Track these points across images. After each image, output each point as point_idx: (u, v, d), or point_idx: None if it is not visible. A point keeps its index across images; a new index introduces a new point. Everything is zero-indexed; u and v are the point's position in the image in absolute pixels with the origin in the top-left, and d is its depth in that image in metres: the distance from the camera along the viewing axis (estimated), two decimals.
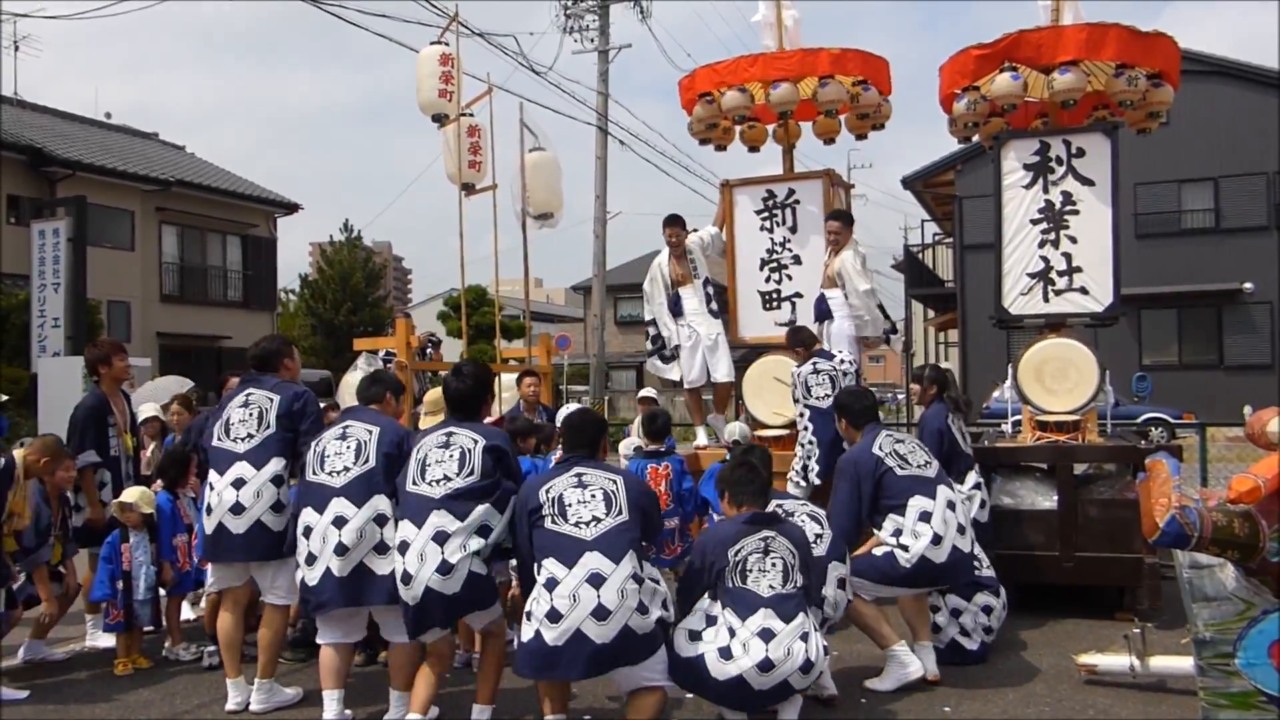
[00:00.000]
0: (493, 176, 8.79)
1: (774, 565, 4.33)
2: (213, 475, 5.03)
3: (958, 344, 28.20)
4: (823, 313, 7.43)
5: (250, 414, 5.02)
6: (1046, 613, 6.46)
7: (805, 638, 4.21)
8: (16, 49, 26.07)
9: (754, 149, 8.66)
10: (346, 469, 4.53)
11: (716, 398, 8.31)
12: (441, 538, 4.14)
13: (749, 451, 5.19)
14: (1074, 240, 7.01)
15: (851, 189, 8.49)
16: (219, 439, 5.04)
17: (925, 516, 5.08)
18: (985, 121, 7.41)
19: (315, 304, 35.98)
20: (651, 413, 7.16)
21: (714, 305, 7.89)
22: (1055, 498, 6.56)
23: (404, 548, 4.22)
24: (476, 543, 4.18)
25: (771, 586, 4.29)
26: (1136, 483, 5.00)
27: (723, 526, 4.57)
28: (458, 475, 4.26)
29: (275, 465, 4.91)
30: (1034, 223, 7.09)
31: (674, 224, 7.89)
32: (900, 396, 40.95)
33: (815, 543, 4.71)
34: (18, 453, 5.44)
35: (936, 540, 5.04)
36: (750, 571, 4.32)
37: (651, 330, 8.09)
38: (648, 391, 9.18)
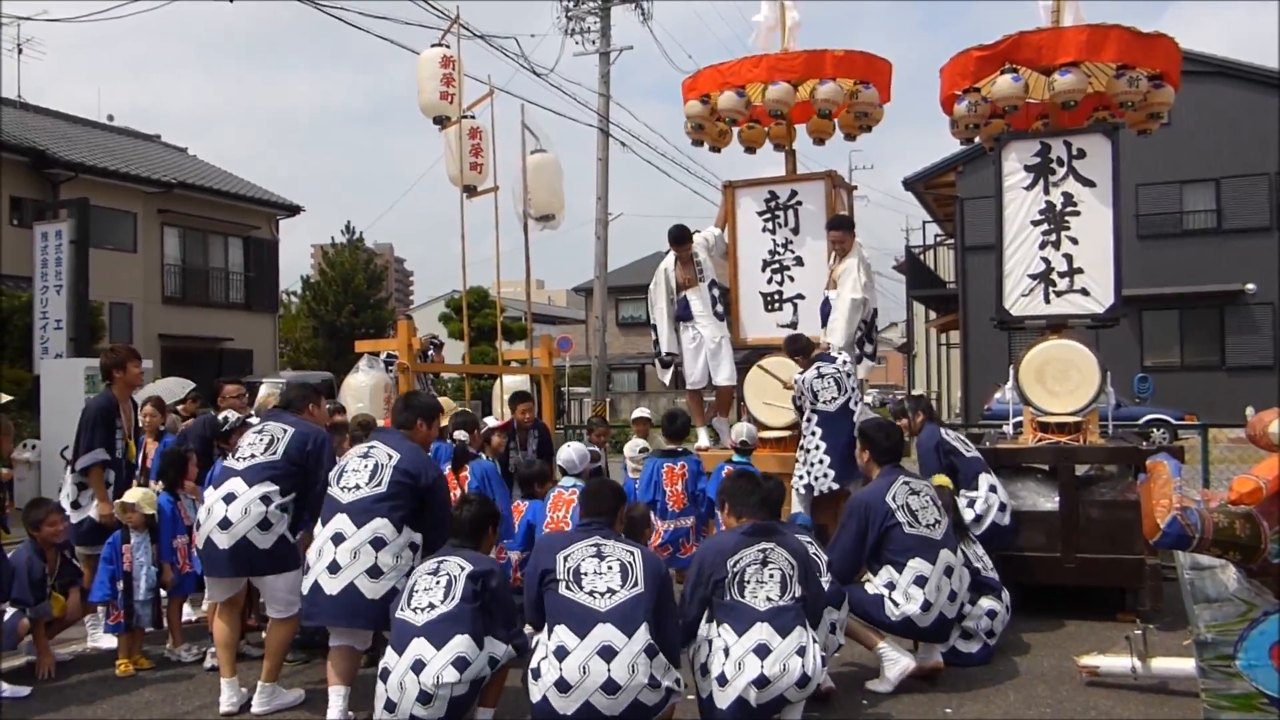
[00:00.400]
0: (494, 178, 8.81)
1: (772, 576, 4.33)
2: (208, 489, 5.11)
3: (959, 345, 28.17)
4: (827, 315, 7.43)
5: (260, 439, 5.08)
6: (1048, 614, 6.45)
7: (802, 652, 4.20)
8: (20, 52, 26.08)
9: (750, 150, 8.66)
10: (358, 487, 4.60)
11: (719, 400, 8.32)
12: (419, 667, 4.09)
13: (767, 478, 5.17)
14: (1075, 241, 7.00)
15: (854, 190, 8.49)
16: (228, 460, 5.15)
17: (921, 581, 5.06)
18: (986, 123, 7.41)
19: (317, 306, 35.98)
20: (671, 412, 7.21)
21: (718, 308, 7.91)
22: (1057, 499, 6.56)
23: (384, 674, 4.20)
24: (473, 670, 4.12)
25: (769, 598, 4.29)
26: (1138, 484, 5.00)
27: (722, 537, 4.58)
28: (441, 602, 4.22)
29: (267, 486, 4.89)
30: (1035, 224, 7.09)
31: (682, 241, 7.88)
32: (901, 396, 40.96)
33: None
34: None
35: (926, 607, 5.04)
36: (748, 583, 4.31)
37: (654, 334, 8.12)
38: (641, 412, 9.15)
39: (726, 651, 4.21)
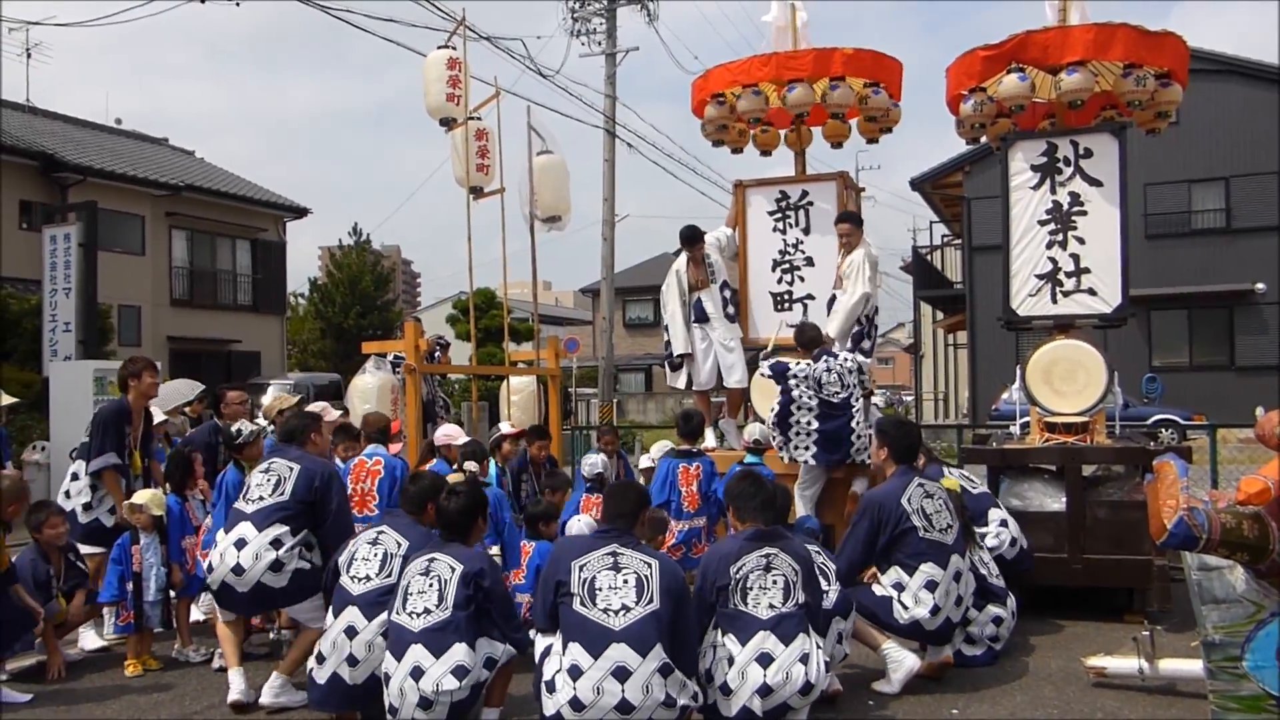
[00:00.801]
0: (500, 180, 8.84)
1: (775, 582, 4.33)
2: (219, 532, 5.15)
3: (966, 345, 28.11)
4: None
5: (268, 480, 5.10)
6: (1055, 615, 6.44)
7: (805, 659, 4.20)
8: (29, 56, 26.13)
9: (766, 153, 8.68)
10: (368, 577, 4.55)
11: (729, 403, 8.30)
12: (418, 674, 4.10)
13: (774, 484, 5.16)
14: (1082, 241, 6.98)
15: (861, 192, 8.49)
16: (237, 502, 5.17)
17: (931, 586, 5.06)
18: (993, 122, 7.40)
19: (324, 308, 36.07)
20: (686, 412, 7.19)
21: (730, 309, 7.90)
22: (1064, 499, 6.54)
23: (385, 679, 4.22)
24: (472, 677, 4.12)
25: (772, 605, 4.28)
26: (1145, 485, 4.98)
27: (725, 543, 4.58)
28: (436, 607, 4.21)
29: (277, 529, 4.94)
30: (1042, 224, 7.07)
31: (694, 241, 7.87)
32: (908, 398, 40.87)
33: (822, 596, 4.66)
34: None
35: (934, 611, 5.05)
36: (751, 589, 4.31)
37: (665, 335, 8.11)
38: (648, 463, 9.11)
39: (730, 660, 4.21)
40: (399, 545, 4.61)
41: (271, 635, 6.10)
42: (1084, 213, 6.98)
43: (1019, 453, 6.96)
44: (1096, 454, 6.82)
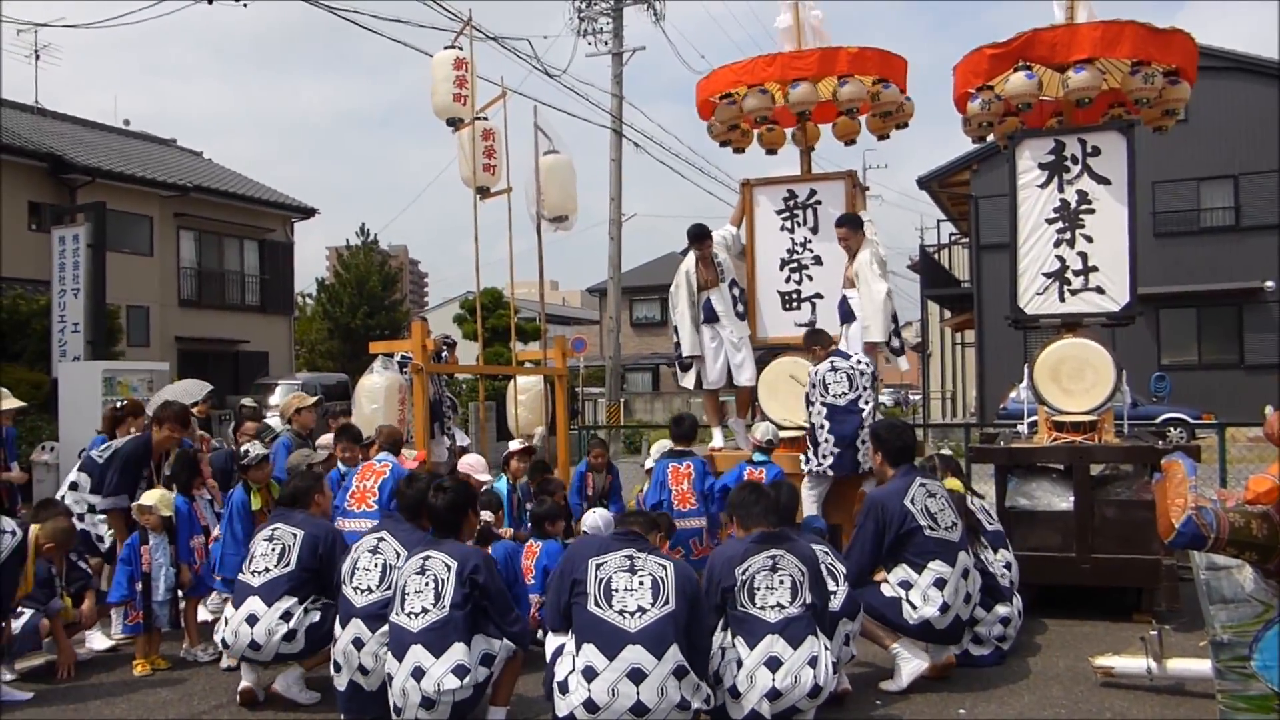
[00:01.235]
0: (507, 180, 8.83)
1: (782, 583, 4.32)
2: (228, 607, 5.20)
3: (974, 344, 28.05)
4: (846, 314, 7.43)
5: (272, 549, 5.14)
6: (1063, 614, 6.42)
7: (814, 662, 4.20)
8: (37, 57, 26.22)
9: (772, 152, 8.67)
10: (425, 610, 4.46)
11: (738, 401, 8.29)
12: (419, 674, 4.12)
13: (777, 487, 5.14)
14: (1090, 239, 6.96)
15: (866, 191, 8.48)
16: (242, 571, 5.21)
17: (940, 584, 5.05)
18: (1000, 121, 7.38)
19: (332, 308, 36.12)
20: (678, 416, 7.20)
21: (739, 308, 7.89)
22: (1072, 499, 6.52)
23: (388, 679, 4.25)
24: (472, 676, 4.13)
25: (780, 605, 4.28)
26: (1153, 484, 4.97)
27: (730, 545, 4.57)
28: (433, 606, 4.21)
29: (286, 602, 5.01)
30: (1049, 222, 7.05)
31: (701, 239, 7.84)
32: (916, 397, 40.81)
33: (829, 598, 4.66)
34: (32, 529, 5.50)
35: (944, 609, 5.04)
36: (758, 590, 4.31)
37: (674, 337, 8.10)
38: (650, 464, 9.09)
39: (739, 664, 4.22)
40: (399, 556, 4.61)
41: None
42: (1092, 211, 6.96)
43: (1027, 452, 6.94)
44: (1104, 453, 6.80)
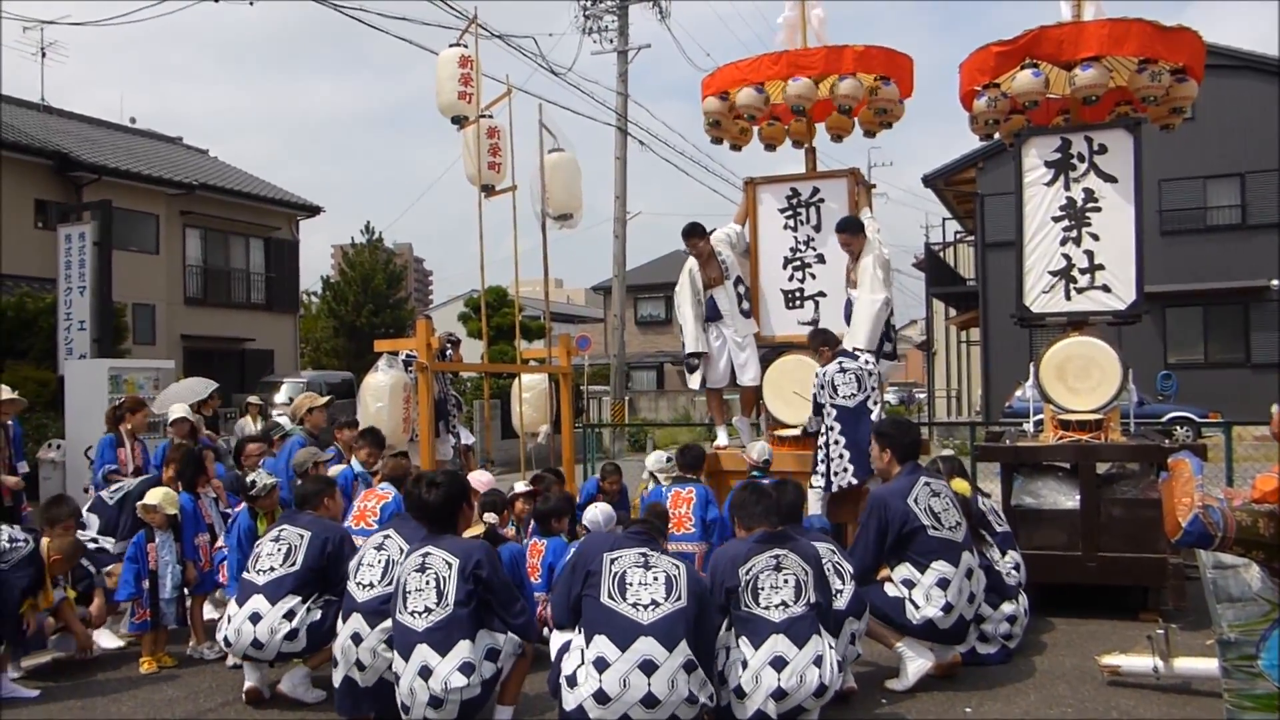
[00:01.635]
0: (512, 178, 8.82)
1: (786, 582, 4.32)
2: (231, 605, 5.20)
3: (979, 342, 28.00)
4: (850, 315, 7.40)
5: (278, 549, 5.15)
6: (1069, 613, 6.42)
7: (819, 661, 4.20)
8: (44, 56, 26.27)
9: (770, 147, 8.65)
10: (373, 583, 4.59)
11: (743, 400, 8.28)
12: (426, 673, 4.12)
13: (781, 486, 5.14)
14: (1096, 238, 6.95)
15: (872, 188, 8.45)
16: (247, 570, 5.22)
17: (943, 584, 5.03)
18: (1006, 119, 7.36)
19: (337, 306, 36.19)
20: (686, 446, 7.10)
21: (744, 305, 7.86)
22: (1078, 497, 6.51)
23: (395, 678, 4.25)
24: (479, 673, 4.13)
25: (784, 604, 4.28)
26: (1159, 482, 4.96)
27: (733, 545, 4.58)
28: (437, 605, 4.21)
29: (290, 602, 5.01)
30: (1055, 220, 7.04)
31: (692, 235, 7.82)
32: (921, 395, 40.76)
33: (835, 596, 4.67)
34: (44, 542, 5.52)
35: (947, 609, 5.02)
36: (762, 589, 4.31)
37: (681, 335, 8.10)
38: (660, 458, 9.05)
39: (744, 664, 4.22)
40: (402, 552, 4.62)
41: None
42: (1098, 209, 6.94)
43: (1033, 450, 6.93)
44: (1111, 451, 6.79)
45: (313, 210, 28.46)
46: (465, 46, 8.40)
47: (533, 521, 6.37)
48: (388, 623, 4.42)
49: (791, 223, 8.07)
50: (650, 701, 3.90)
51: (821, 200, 7.96)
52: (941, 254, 33.68)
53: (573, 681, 4.03)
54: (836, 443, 6.62)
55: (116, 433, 7.86)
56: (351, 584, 4.66)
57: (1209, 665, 4.61)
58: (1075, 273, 6.99)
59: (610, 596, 4.10)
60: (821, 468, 6.70)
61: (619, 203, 23.99)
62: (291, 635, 4.97)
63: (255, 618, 4.97)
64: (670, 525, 6.64)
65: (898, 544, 5.13)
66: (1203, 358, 24.52)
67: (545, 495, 6.41)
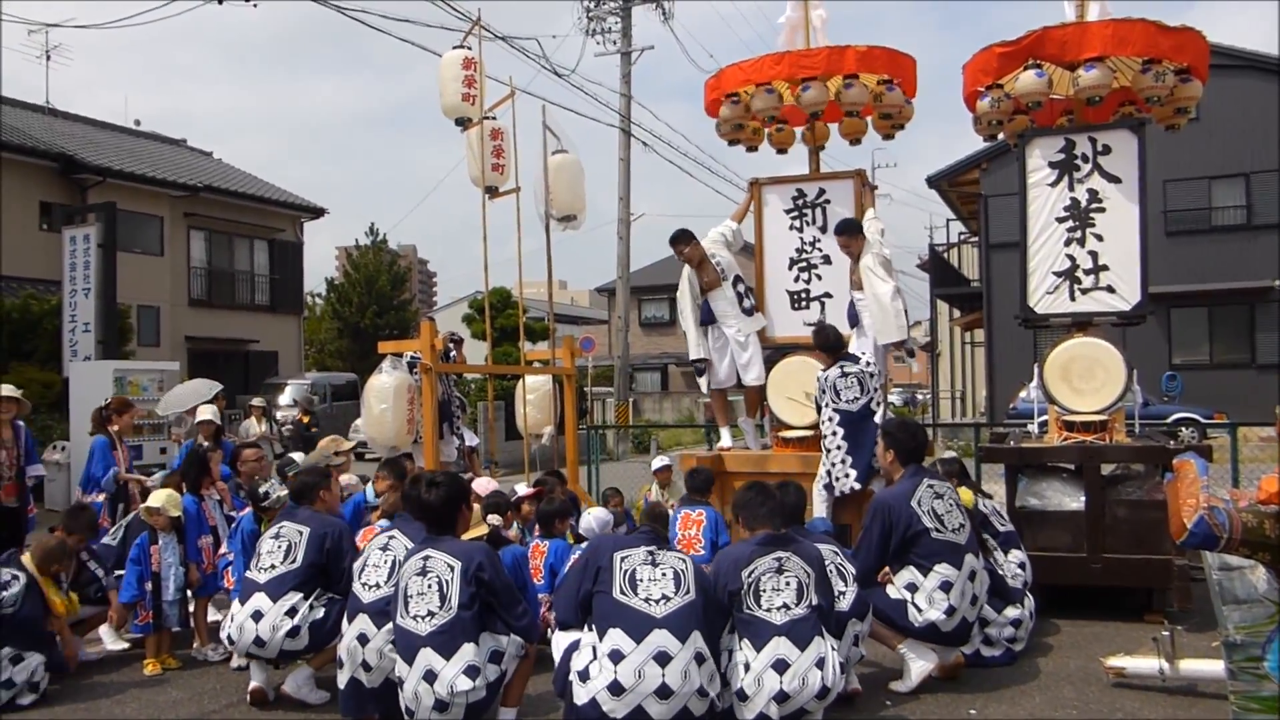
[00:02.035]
0: (516, 179, 8.83)
1: (788, 584, 4.32)
2: (235, 603, 5.20)
3: (984, 343, 27.97)
4: (854, 318, 7.39)
5: (279, 546, 5.15)
6: (1074, 614, 6.40)
7: (821, 664, 4.20)
8: (48, 58, 26.34)
9: (782, 151, 8.65)
10: (430, 614, 4.50)
11: (747, 401, 8.27)
12: (431, 677, 4.12)
13: (783, 488, 5.12)
14: (1100, 238, 6.93)
15: (875, 189, 8.44)
16: (249, 568, 5.22)
17: (946, 587, 5.01)
18: (1010, 119, 7.35)
19: (341, 307, 36.26)
20: (695, 469, 7.05)
21: (746, 304, 7.82)
22: (1082, 498, 6.49)
23: (399, 683, 4.25)
24: (484, 675, 4.14)
25: (786, 606, 4.28)
26: (1165, 483, 4.94)
27: (736, 548, 4.58)
28: (440, 608, 4.20)
29: (291, 599, 5.01)
30: (1060, 221, 7.02)
31: (678, 243, 7.77)
32: (925, 396, 40.71)
33: (838, 598, 4.66)
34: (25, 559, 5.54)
35: (950, 613, 5.00)
36: (764, 592, 4.31)
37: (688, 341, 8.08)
38: (663, 460, 9.03)
39: (746, 666, 4.22)
40: (407, 551, 4.61)
41: None
42: (1102, 209, 6.93)
43: (1037, 451, 6.91)
44: (1116, 453, 6.77)
45: (317, 212, 28.50)
46: (469, 48, 8.41)
47: (537, 524, 6.36)
48: (467, 647, 4.38)
49: (797, 224, 8.06)
50: (664, 692, 3.94)
51: (827, 201, 7.96)
52: (945, 255, 33.63)
53: (585, 676, 4.05)
54: (839, 447, 6.59)
55: (108, 435, 7.86)
56: (357, 584, 4.66)
57: (1214, 667, 4.60)
58: (1080, 273, 6.98)
59: (622, 592, 4.15)
60: (823, 470, 6.69)
61: (623, 204, 24.00)
62: (294, 633, 4.96)
63: (257, 615, 4.97)
64: (679, 547, 6.63)
65: (901, 547, 5.11)
66: (1208, 358, 24.47)
67: (549, 497, 6.40)
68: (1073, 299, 7.00)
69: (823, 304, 7.96)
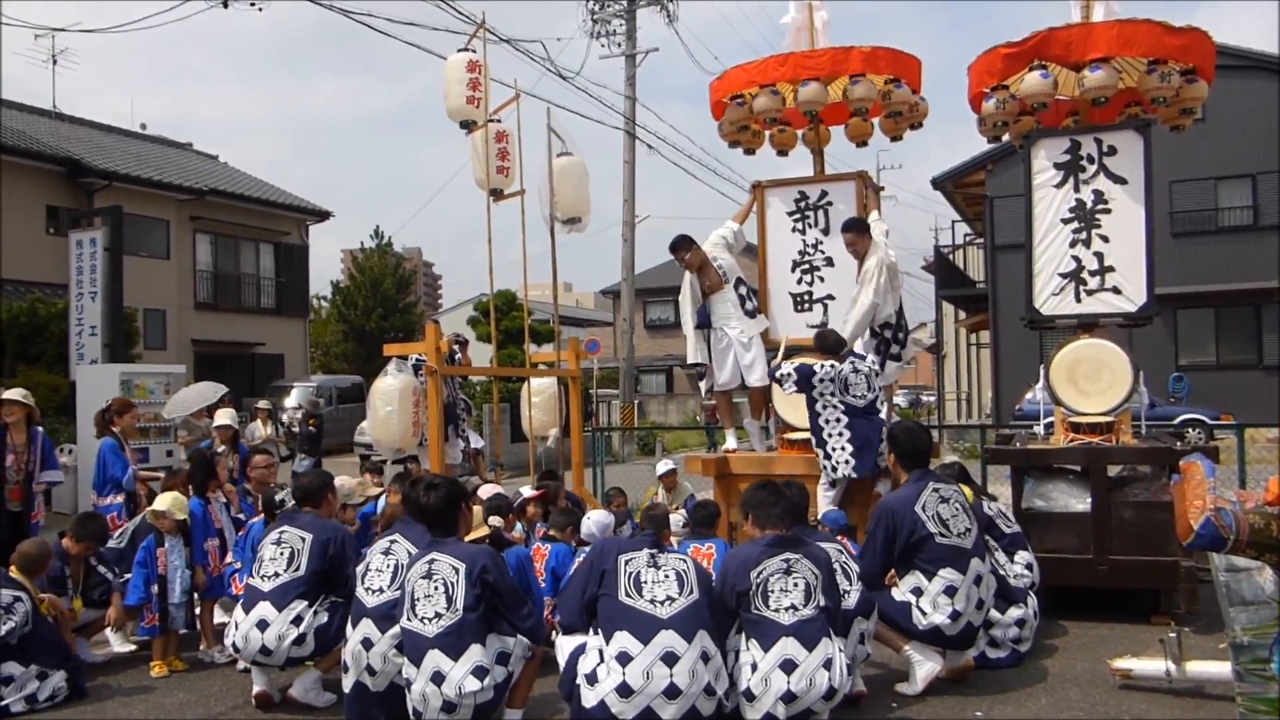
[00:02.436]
0: (520, 182, 8.84)
1: (796, 585, 4.33)
2: (238, 611, 5.18)
3: (989, 345, 27.92)
4: None
5: (281, 553, 5.13)
6: (1080, 616, 6.38)
7: (828, 664, 4.20)
8: (54, 62, 26.47)
9: (783, 153, 8.64)
10: (438, 615, 4.50)
11: (751, 403, 8.26)
12: (439, 679, 4.12)
13: (787, 487, 5.14)
14: (1106, 239, 6.92)
15: (881, 191, 8.43)
16: (251, 575, 5.20)
17: (950, 592, 5.01)
18: (1015, 120, 7.34)
19: (346, 310, 36.33)
20: (702, 502, 7.02)
21: (749, 305, 7.81)
22: (1089, 500, 6.48)
23: (407, 684, 4.26)
24: (491, 676, 4.14)
25: (794, 607, 4.28)
26: (1171, 485, 4.93)
27: (744, 549, 4.57)
28: (446, 610, 4.21)
29: (297, 606, 5.01)
30: (1065, 222, 7.01)
31: (678, 249, 7.74)
32: (929, 399, 40.65)
33: (843, 597, 4.67)
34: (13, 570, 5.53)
35: (954, 617, 5.00)
36: (772, 592, 4.31)
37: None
38: (667, 465, 8.96)
39: (753, 666, 4.22)
40: (410, 555, 4.62)
41: None
42: (1108, 210, 6.91)
43: (1043, 453, 6.90)
44: (1122, 454, 6.75)
45: (322, 215, 28.56)
46: (473, 51, 8.42)
47: (541, 526, 6.36)
48: (398, 628, 4.43)
49: (800, 226, 8.05)
50: (672, 692, 3.96)
51: (830, 203, 7.94)
52: (951, 256, 33.58)
53: (593, 679, 4.07)
54: (841, 435, 6.58)
55: (114, 436, 7.87)
56: (360, 589, 4.66)
57: (1222, 669, 4.58)
58: (1085, 275, 6.96)
59: (628, 594, 4.18)
60: (821, 459, 6.67)
61: (627, 206, 24.02)
62: (299, 640, 4.97)
63: (263, 625, 4.96)
64: None
65: (905, 552, 5.11)
66: (1214, 360, 24.40)
67: (563, 509, 6.39)
68: (1078, 300, 6.98)
69: (825, 306, 7.95)
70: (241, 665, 5.72)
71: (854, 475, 6.55)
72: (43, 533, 7.39)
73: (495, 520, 5.91)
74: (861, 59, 7.55)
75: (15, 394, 7.46)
